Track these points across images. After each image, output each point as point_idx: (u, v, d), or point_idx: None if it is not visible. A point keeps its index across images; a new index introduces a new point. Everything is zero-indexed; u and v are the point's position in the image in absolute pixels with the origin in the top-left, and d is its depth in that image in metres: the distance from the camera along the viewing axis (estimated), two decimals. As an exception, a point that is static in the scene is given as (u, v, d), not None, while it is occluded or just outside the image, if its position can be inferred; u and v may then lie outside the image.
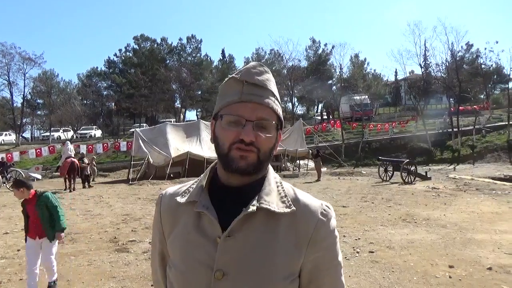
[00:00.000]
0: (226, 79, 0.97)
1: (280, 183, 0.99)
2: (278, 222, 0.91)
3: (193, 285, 0.90)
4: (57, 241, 4.22)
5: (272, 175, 0.99)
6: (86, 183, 16.31)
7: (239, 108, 0.91)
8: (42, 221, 4.08)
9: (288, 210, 0.91)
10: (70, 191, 14.76)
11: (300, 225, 0.92)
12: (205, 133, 20.38)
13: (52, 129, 39.99)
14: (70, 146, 16.93)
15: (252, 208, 0.89)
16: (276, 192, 0.96)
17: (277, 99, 0.97)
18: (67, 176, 15.17)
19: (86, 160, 16.86)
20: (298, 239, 0.91)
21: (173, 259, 0.97)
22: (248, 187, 0.94)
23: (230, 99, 0.93)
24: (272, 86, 0.97)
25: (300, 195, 0.97)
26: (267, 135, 0.91)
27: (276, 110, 0.95)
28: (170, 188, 1.06)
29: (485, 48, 39.33)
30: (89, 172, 16.96)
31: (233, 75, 0.95)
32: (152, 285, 1.12)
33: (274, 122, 0.94)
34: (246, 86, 0.92)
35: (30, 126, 53.72)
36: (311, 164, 21.99)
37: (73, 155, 16.15)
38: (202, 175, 1.02)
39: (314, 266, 0.93)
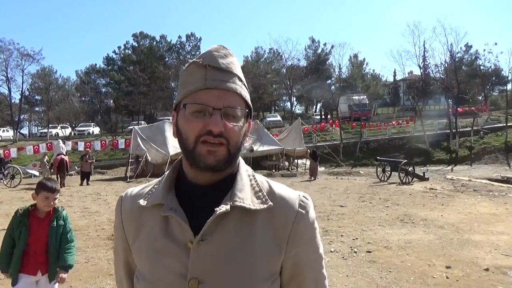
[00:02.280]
0: (186, 65, 0.87)
1: (253, 176, 0.92)
2: (254, 219, 0.84)
3: None
4: (56, 283, 2.85)
5: (244, 168, 0.91)
6: (86, 180, 16.35)
7: (204, 95, 0.82)
8: (52, 248, 2.78)
9: (265, 206, 0.84)
10: (60, 187, 14.89)
11: (278, 220, 0.86)
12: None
13: (50, 125, 39.85)
14: (62, 144, 17.25)
15: (225, 207, 0.81)
16: (250, 186, 0.88)
17: (244, 84, 0.88)
18: (57, 173, 15.59)
19: (87, 158, 16.90)
20: (277, 236, 0.85)
21: (141, 269, 0.88)
22: (219, 184, 0.86)
23: (193, 86, 0.83)
24: (238, 69, 0.88)
25: (275, 187, 0.90)
26: (236, 124, 0.83)
27: (244, 96, 0.87)
28: (132, 189, 0.97)
29: (484, 50, 39.10)
30: (89, 170, 17.03)
31: (195, 59, 0.86)
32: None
33: (243, 109, 0.85)
34: (210, 71, 0.83)
35: (28, 123, 53.61)
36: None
37: (64, 153, 16.38)
38: (166, 173, 0.92)
39: (295, 262, 0.88)
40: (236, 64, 0.88)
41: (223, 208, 0.81)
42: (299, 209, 0.87)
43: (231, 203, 0.82)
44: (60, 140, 18.44)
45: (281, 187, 0.91)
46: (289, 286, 0.89)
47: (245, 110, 0.87)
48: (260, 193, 0.87)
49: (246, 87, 0.90)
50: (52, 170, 16.77)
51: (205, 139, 0.81)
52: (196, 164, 0.83)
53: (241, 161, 0.92)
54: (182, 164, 0.91)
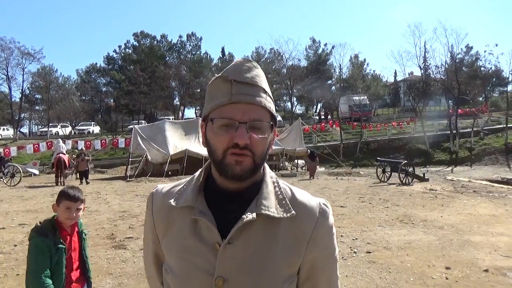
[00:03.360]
0: (213, 79, 0.92)
1: (277, 183, 0.96)
2: (277, 226, 0.90)
3: None
4: None
5: (269, 175, 0.96)
6: (84, 179, 16.36)
7: (230, 110, 0.86)
8: (86, 258, 2.54)
9: (288, 214, 0.90)
10: (58, 185, 15.28)
11: (299, 226, 0.91)
12: (204, 131, 20.46)
13: (50, 124, 39.85)
14: (62, 143, 17.60)
15: (251, 216, 0.87)
16: (274, 194, 0.93)
17: (269, 95, 0.92)
18: (55, 171, 15.95)
19: (83, 156, 16.92)
20: (297, 241, 0.91)
21: (170, 263, 0.95)
22: (246, 191, 0.91)
23: (219, 101, 0.88)
24: (263, 82, 0.92)
25: (298, 194, 0.96)
26: (262, 136, 0.88)
27: (269, 108, 0.91)
28: (162, 186, 1.03)
29: (485, 51, 39.16)
30: (87, 168, 17.03)
31: (221, 74, 0.90)
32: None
33: (268, 121, 0.90)
34: (235, 86, 0.87)
35: (28, 121, 53.63)
36: (309, 163, 22.07)
37: (64, 151, 16.61)
38: (196, 175, 0.98)
39: (312, 265, 0.93)
40: (261, 76, 0.92)
41: (249, 216, 0.87)
42: (319, 216, 0.93)
43: (257, 211, 0.88)
44: (60, 139, 18.59)
45: (303, 194, 0.97)
46: (304, 286, 0.96)
47: (270, 122, 0.90)
48: (284, 201, 0.92)
49: (271, 98, 0.93)
50: (53, 169, 16.99)
51: (232, 152, 0.85)
52: (224, 174, 0.88)
53: (266, 167, 0.97)
54: (212, 170, 0.95)
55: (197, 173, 0.99)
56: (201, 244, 0.89)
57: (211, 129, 0.89)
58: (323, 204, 0.96)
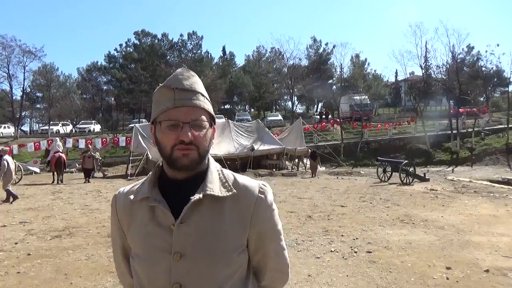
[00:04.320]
0: (157, 88, 1.07)
1: (221, 170, 1.12)
2: (222, 204, 1.05)
3: (155, 269, 1.02)
4: None
5: (213, 165, 1.12)
6: (87, 177, 16.36)
7: (174, 113, 1.01)
8: None
9: (230, 193, 1.05)
10: (58, 183, 15.46)
11: (242, 203, 1.06)
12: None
13: (51, 122, 39.85)
14: (59, 143, 17.93)
15: (198, 196, 1.01)
16: (218, 179, 1.08)
17: (206, 98, 1.08)
18: (54, 170, 16.15)
19: (89, 153, 16.98)
20: (242, 216, 1.05)
21: (135, 250, 1.08)
22: (193, 179, 1.06)
23: (165, 106, 1.02)
24: (200, 87, 1.07)
25: (239, 178, 1.11)
26: (202, 132, 1.03)
27: (207, 109, 1.07)
28: (123, 188, 1.17)
29: (486, 51, 38.76)
30: (92, 166, 17.05)
31: (164, 84, 1.05)
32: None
33: (207, 120, 1.05)
34: (177, 92, 1.02)
35: (29, 119, 53.66)
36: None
37: (61, 151, 16.96)
38: (150, 174, 1.12)
39: (258, 237, 1.08)
40: (198, 83, 1.08)
41: (196, 196, 1.01)
42: (259, 194, 1.08)
43: (203, 192, 1.02)
44: (58, 139, 18.87)
45: (244, 178, 1.12)
46: (255, 256, 1.11)
47: (209, 120, 1.07)
48: (226, 184, 1.08)
49: (208, 100, 1.10)
50: (49, 167, 17.12)
51: (179, 147, 1.01)
52: (174, 166, 1.03)
53: (210, 159, 1.12)
54: (163, 166, 1.11)
55: (151, 172, 1.13)
56: (159, 228, 1.03)
57: (159, 130, 1.04)
58: (262, 184, 1.11)
